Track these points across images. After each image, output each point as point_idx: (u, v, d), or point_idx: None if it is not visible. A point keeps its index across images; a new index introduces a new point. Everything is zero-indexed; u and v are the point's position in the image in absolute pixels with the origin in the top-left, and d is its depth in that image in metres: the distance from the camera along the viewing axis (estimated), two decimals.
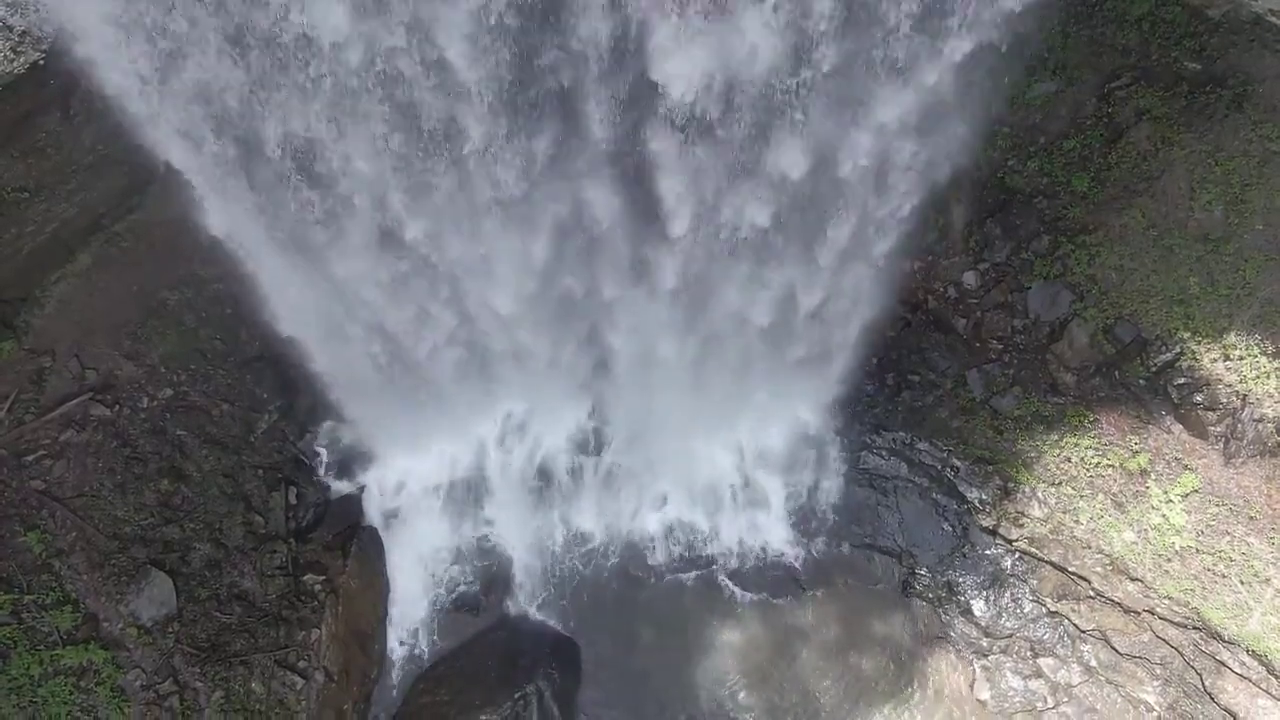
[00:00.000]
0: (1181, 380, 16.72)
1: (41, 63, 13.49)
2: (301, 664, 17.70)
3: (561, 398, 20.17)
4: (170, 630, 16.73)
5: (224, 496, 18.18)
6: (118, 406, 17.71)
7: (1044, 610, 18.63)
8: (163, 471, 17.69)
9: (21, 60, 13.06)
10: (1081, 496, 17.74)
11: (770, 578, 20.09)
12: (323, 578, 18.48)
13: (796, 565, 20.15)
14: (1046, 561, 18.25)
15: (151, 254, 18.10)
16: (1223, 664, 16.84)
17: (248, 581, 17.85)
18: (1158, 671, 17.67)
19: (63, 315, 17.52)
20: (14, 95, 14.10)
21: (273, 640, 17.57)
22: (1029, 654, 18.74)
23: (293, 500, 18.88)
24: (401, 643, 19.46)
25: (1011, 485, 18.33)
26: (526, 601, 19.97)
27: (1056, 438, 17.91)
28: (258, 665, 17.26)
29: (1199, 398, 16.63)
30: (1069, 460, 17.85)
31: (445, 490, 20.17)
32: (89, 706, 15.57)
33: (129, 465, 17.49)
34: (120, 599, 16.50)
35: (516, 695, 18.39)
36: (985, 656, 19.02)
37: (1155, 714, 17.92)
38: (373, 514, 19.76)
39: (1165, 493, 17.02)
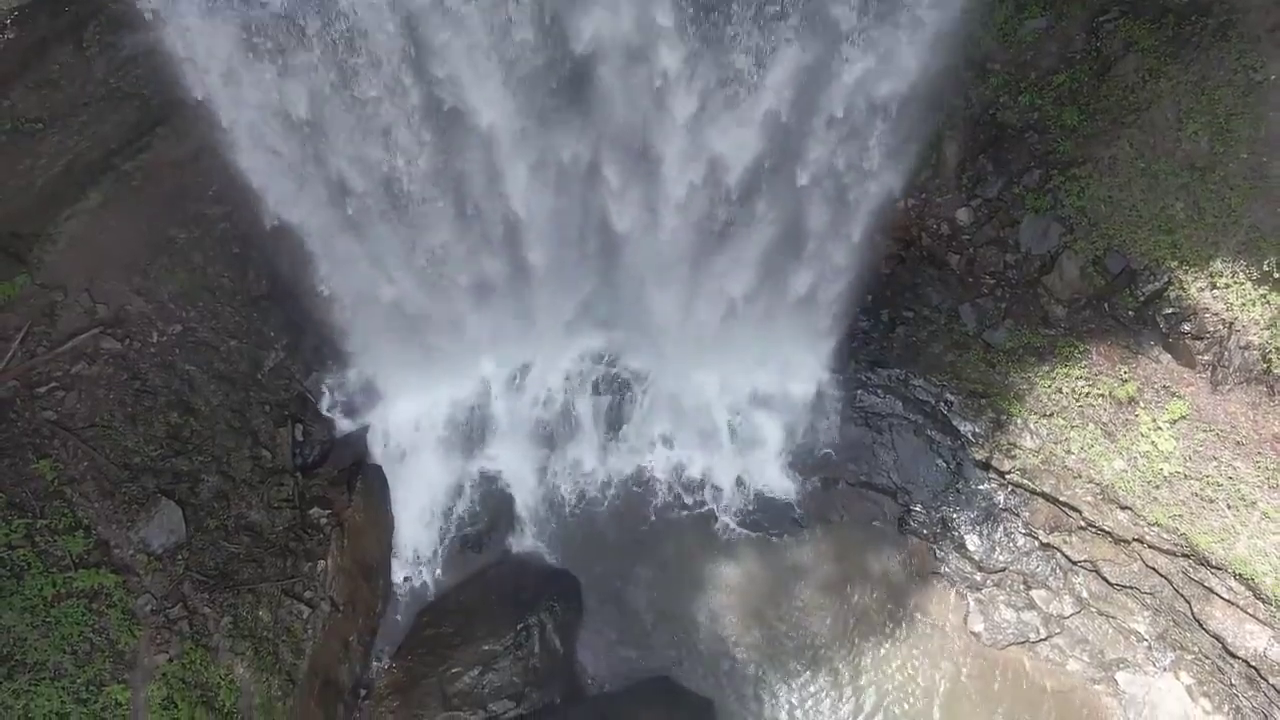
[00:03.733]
0: (1169, 310, 17.05)
1: None
2: (308, 594, 18.03)
3: (564, 339, 20.53)
4: (180, 558, 17.02)
5: (232, 431, 18.52)
6: (128, 341, 18.06)
7: (1036, 543, 18.96)
8: (172, 405, 18.03)
9: None
10: (1072, 427, 18.08)
11: (768, 516, 20.44)
12: (329, 512, 18.82)
13: (793, 503, 20.50)
14: (1038, 493, 18.58)
15: (161, 193, 18.41)
16: (1210, 590, 17.15)
17: (255, 513, 18.18)
18: (1148, 601, 18.00)
19: (74, 251, 17.84)
20: (29, 22, 14.48)
21: (280, 570, 17.89)
22: (1022, 587, 19.07)
23: (299, 437, 19.23)
24: (406, 577, 19.83)
25: (1004, 418, 18.67)
26: (529, 538, 20.34)
27: (1048, 369, 18.25)
28: (265, 594, 17.57)
29: (1187, 326, 16.96)
30: (1060, 391, 18.19)
31: (450, 429, 20.56)
32: (100, 628, 15.82)
33: (139, 398, 17.83)
34: (131, 526, 16.80)
35: (519, 627, 18.74)
36: (979, 590, 19.36)
37: (1146, 644, 18.25)
38: (378, 451, 20.14)
39: (1154, 420, 17.36)
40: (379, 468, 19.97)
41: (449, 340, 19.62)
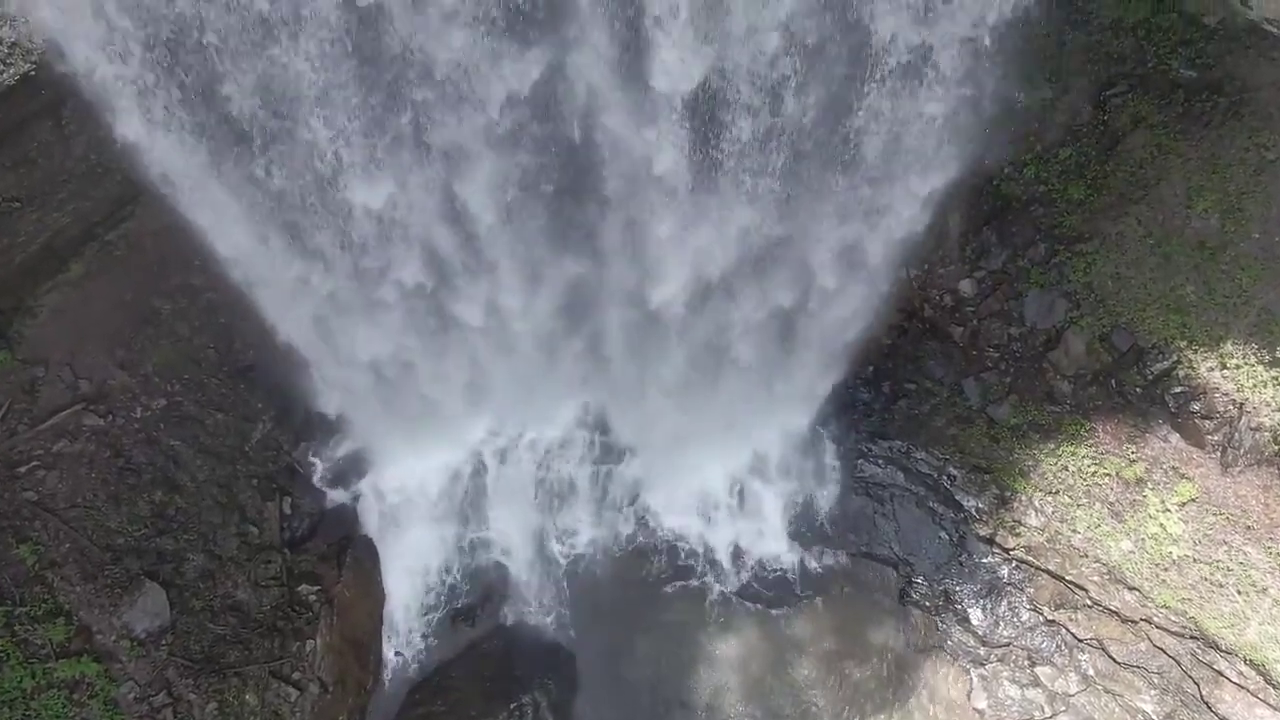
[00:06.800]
0: (1178, 389, 16.65)
1: (32, 73, 13.47)
2: (296, 675, 17.62)
3: (557, 406, 20.13)
4: (164, 642, 16.64)
5: (218, 507, 18.10)
6: (111, 416, 17.64)
7: (1041, 619, 18.56)
8: (156, 482, 17.63)
9: (11, 72, 13.06)
10: (1078, 505, 17.68)
11: (767, 587, 20.03)
12: (318, 588, 18.39)
13: (793, 574, 20.10)
14: (1044, 570, 18.19)
15: (144, 263, 18.03)
16: (1220, 673, 16.79)
17: (242, 592, 17.76)
18: (1155, 681, 17.61)
19: (56, 325, 17.44)
20: (5, 105, 14.06)
21: (267, 651, 17.48)
22: (1026, 663, 18.68)
23: (287, 510, 18.81)
24: (397, 653, 19.40)
25: (1008, 494, 18.28)
26: (523, 611, 19.92)
27: (1053, 446, 17.85)
28: (252, 677, 17.18)
29: (1196, 406, 16.57)
30: (1065, 469, 17.79)
31: (442, 498, 20.14)
32: None
33: (122, 476, 17.42)
34: (114, 611, 16.42)
35: (512, 706, 18.38)
36: (982, 665, 18.97)
37: None
38: (368, 523, 19.70)
39: (1162, 502, 16.97)
40: (369, 540, 19.54)
41: (439, 410, 19.18)
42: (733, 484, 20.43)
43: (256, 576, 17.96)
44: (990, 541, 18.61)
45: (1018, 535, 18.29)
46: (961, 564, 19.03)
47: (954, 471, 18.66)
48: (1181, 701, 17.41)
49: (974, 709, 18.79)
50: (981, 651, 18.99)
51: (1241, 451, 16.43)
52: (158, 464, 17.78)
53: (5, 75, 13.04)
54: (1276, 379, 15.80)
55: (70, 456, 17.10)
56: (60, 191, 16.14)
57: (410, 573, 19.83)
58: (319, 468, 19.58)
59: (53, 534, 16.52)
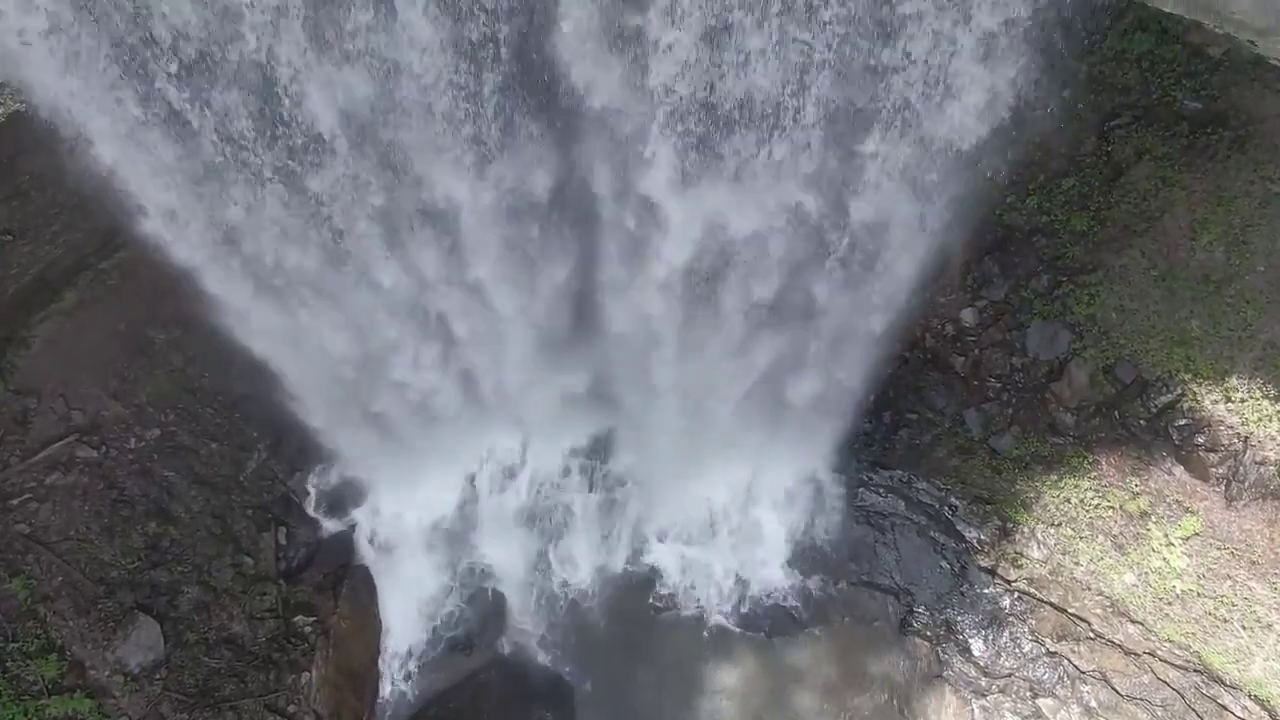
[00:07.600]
0: (1182, 421, 16.50)
1: (22, 110, 13.29)
2: (291, 708, 17.44)
3: (555, 433, 19.95)
4: (158, 677, 16.50)
5: (213, 538, 17.91)
6: (104, 448, 17.46)
7: (1043, 650, 18.39)
8: (150, 513, 17.45)
9: (2, 111, 12.88)
10: (1081, 538, 17.52)
11: (767, 616, 19.83)
12: (313, 619, 18.21)
13: (793, 603, 19.91)
14: (1046, 602, 18.02)
15: (138, 291, 17.83)
16: (1224, 708, 16.62)
17: (237, 625, 17.58)
18: (1158, 714, 17.42)
19: (49, 355, 17.28)
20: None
21: (262, 684, 17.31)
22: (1028, 694, 18.51)
23: (283, 540, 18.60)
24: (394, 684, 19.18)
25: (1010, 525, 18.11)
26: (520, 640, 19.70)
27: (1056, 478, 17.69)
28: (247, 711, 17.01)
29: (1200, 439, 16.41)
30: (1068, 501, 17.63)
31: (438, 527, 19.92)
32: None
33: (116, 508, 17.26)
34: (107, 645, 16.27)
35: None
36: (984, 696, 18.79)
37: None
38: (365, 552, 19.49)
39: (1166, 535, 16.81)
40: (366, 569, 19.33)
41: (433, 436, 18.99)
42: (733, 512, 20.25)
43: (252, 608, 17.78)
44: (992, 572, 18.44)
45: (1020, 567, 18.13)
46: (963, 594, 18.86)
47: (955, 502, 18.49)
48: None
49: None
50: (983, 682, 18.81)
51: (1246, 485, 16.28)
52: (151, 495, 17.60)
53: None
54: None
55: (63, 489, 16.93)
56: (53, 224, 16.03)
57: (407, 602, 19.58)
58: (314, 497, 19.38)
59: (45, 568, 16.36)
